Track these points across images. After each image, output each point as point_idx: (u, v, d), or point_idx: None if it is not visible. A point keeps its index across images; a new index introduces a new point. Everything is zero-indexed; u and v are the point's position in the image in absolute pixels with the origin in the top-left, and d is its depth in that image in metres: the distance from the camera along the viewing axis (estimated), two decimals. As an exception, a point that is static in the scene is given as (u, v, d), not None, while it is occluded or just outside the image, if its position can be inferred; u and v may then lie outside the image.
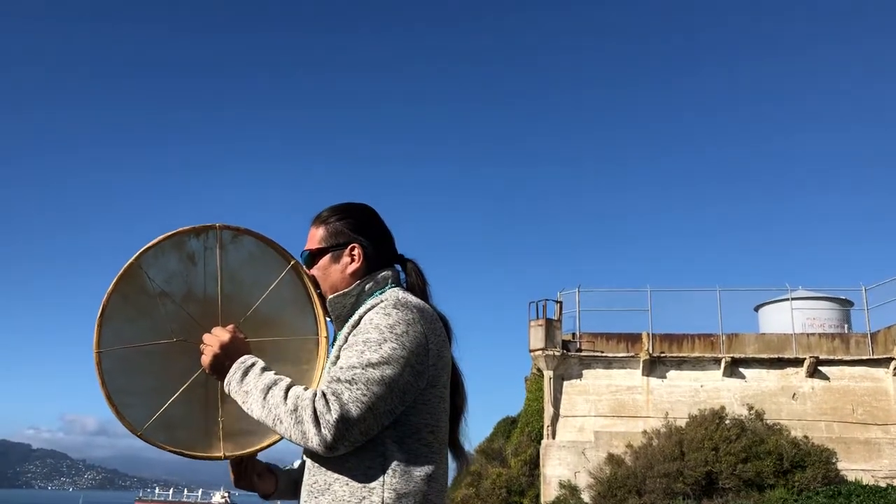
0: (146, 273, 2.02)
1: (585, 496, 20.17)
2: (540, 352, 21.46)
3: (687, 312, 23.33)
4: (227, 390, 1.90)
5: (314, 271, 2.08)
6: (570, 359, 21.62)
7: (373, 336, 1.81)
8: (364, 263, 2.03)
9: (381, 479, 1.78)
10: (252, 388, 1.84)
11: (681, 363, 21.37)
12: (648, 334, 21.55)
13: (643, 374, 21.38)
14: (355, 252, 2.04)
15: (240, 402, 1.86)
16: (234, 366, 1.89)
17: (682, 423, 19.96)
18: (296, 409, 1.75)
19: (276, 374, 1.88)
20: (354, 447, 1.77)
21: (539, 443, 22.21)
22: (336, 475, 1.80)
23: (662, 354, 21.34)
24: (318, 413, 1.72)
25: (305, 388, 1.81)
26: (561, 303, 22.32)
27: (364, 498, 1.76)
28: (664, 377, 21.42)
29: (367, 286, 2.00)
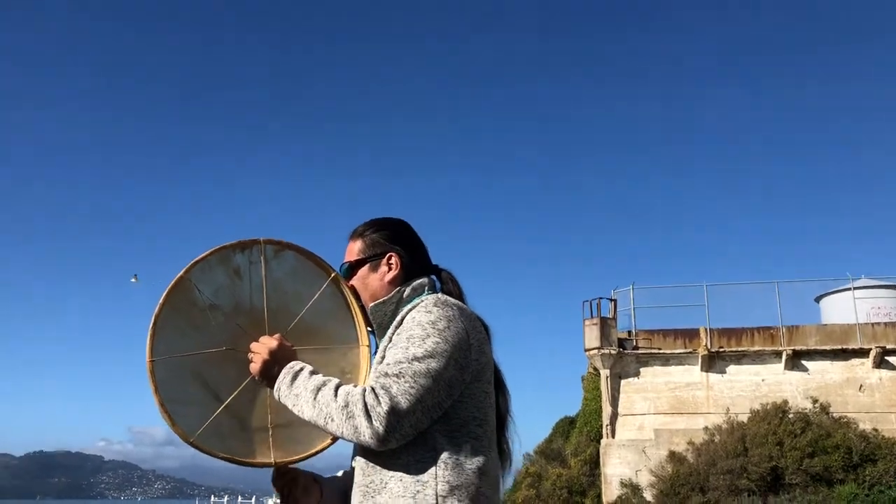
0: (196, 286, 2.10)
1: (647, 495, 19.96)
2: (595, 351, 21.33)
3: (745, 306, 22.93)
4: (276, 395, 1.97)
5: (354, 282, 2.16)
6: (626, 357, 21.44)
7: (416, 332, 1.87)
8: (401, 271, 2.10)
9: (433, 471, 1.81)
10: (302, 391, 1.90)
11: (740, 357, 21.02)
12: (706, 329, 21.24)
13: (702, 370, 21.08)
14: (393, 261, 2.11)
15: (290, 406, 1.92)
16: (284, 371, 1.96)
17: (743, 418, 19.63)
18: (346, 405, 1.80)
19: (324, 376, 1.95)
20: (406, 441, 1.81)
21: (598, 442, 22.08)
22: (391, 472, 1.84)
23: (721, 349, 21.01)
24: (369, 406, 1.77)
25: (354, 386, 1.87)
26: (615, 301, 22.16)
27: (418, 492, 1.79)
28: (724, 372, 21.08)
29: (406, 293, 2.06)
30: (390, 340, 1.94)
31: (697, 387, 21.15)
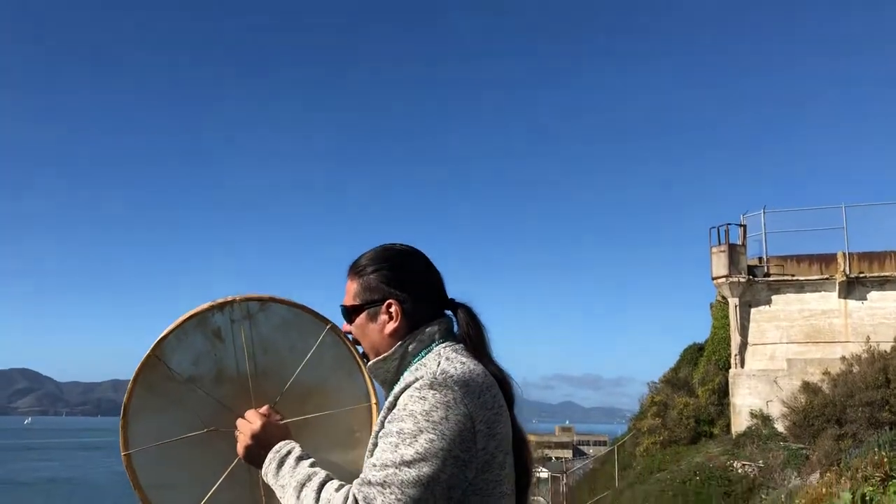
0: (166, 364, 1.90)
1: (779, 426, 19.38)
2: (723, 279, 20.58)
3: (888, 228, 21.34)
4: (265, 480, 1.78)
5: (353, 329, 1.89)
6: (756, 284, 20.57)
7: (407, 426, 1.58)
8: (403, 321, 1.80)
9: None
10: (287, 483, 1.69)
11: (883, 283, 19.70)
12: (845, 254, 20.01)
13: (840, 297, 19.95)
14: (392, 309, 1.81)
15: (278, 496, 1.72)
16: (269, 456, 1.77)
17: (885, 347, 18.50)
18: None
19: (311, 464, 1.73)
20: None
21: (727, 371, 21.52)
22: None
23: (861, 275, 19.76)
24: None
25: (338, 488, 1.62)
26: (745, 226, 21.17)
27: None
28: (864, 299, 19.88)
29: (411, 346, 1.79)
30: (382, 426, 1.67)
31: (834, 314, 20.08)
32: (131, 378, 1.89)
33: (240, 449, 1.83)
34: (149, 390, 1.90)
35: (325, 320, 2.03)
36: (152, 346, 1.90)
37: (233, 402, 1.93)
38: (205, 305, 1.95)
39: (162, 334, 1.91)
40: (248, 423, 1.83)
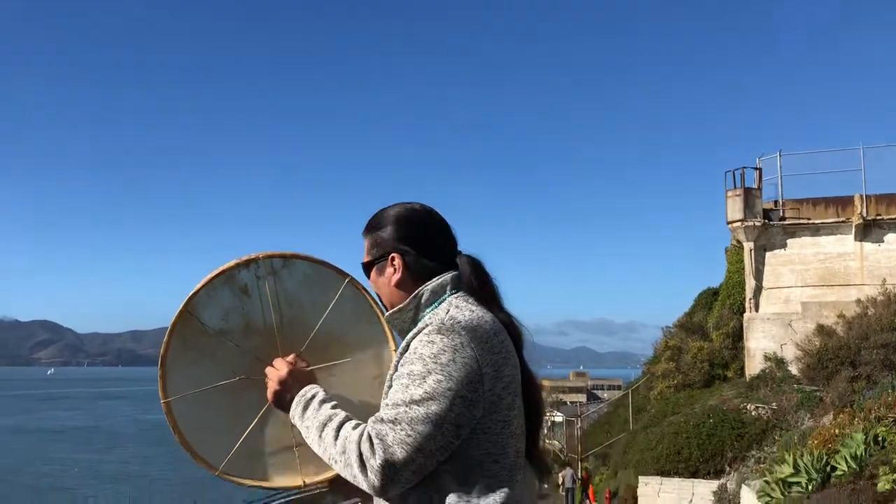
0: (198, 319, 2.05)
1: (793, 368, 19.47)
2: (739, 223, 20.45)
3: (908, 169, 21.02)
4: (293, 422, 1.90)
5: (370, 285, 2.02)
6: (772, 228, 20.44)
7: (416, 368, 1.68)
8: (406, 274, 1.90)
9: None
10: (310, 424, 1.82)
11: (900, 225, 19.54)
12: (862, 196, 19.78)
13: (856, 240, 19.80)
14: (395, 263, 1.90)
15: (304, 436, 1.85)
16: (295, 400, 1.89)
17: (902, 289, 18.46)
18: (344, 451, 1.69)
19: (332, 406, 1.84)
20: (409, 486, 1.67)
21: (741, 315, 21.55)
22: None
23: (878, 217, 19.57)
24: (364, 457, 1.65)
25: (355, 426, 1.74)
26: (760, 169, 20.94)
27: None
28: (881, 241, 19.72)
29: (424, 298, 1.87)
30: (396, 369, 1.76)
31: (850, 257, 19.96)
32: (167, 332, 2.05)
33: (269, 394, 1.96)
34: (183, 343, 2.06)
35: (344, 274, 2.16)
36: (184, 302, 2.05)
37: (262, 353, 2.07)
38: (231, 263, 2.10)
39: (193, 291, 2.06)
40: (276, 371, 1.96)
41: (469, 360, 1.68)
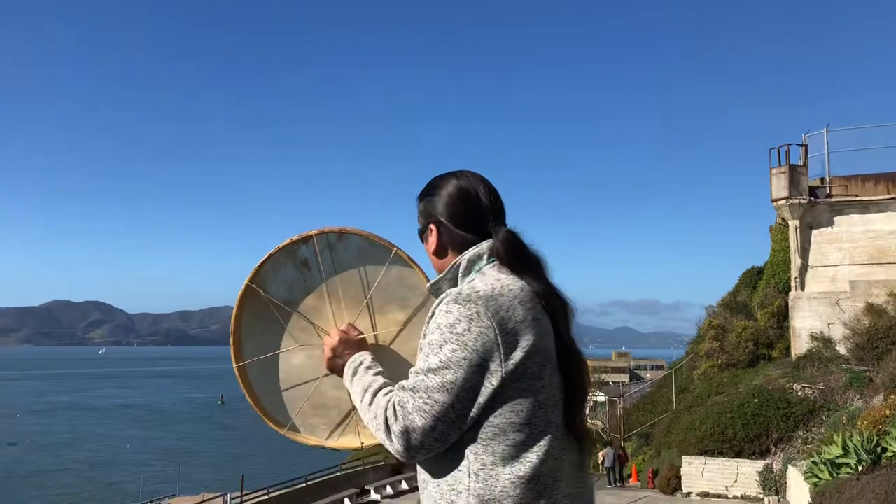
0: (263, 291, 2.28)
1: (841, 348, 19.14)
2: (784, 201, 20.09)
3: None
4: (345, 385, 2.05)
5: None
6: (818, 206, 20.04)
7: (434, 338, 1.72)
8: (440, 242, 1.94)
9: (466, 483, 1.70)
10: (356, 389, 1.94)
11: (954, 202, 19.01)
12: (914, 172, 19.29)
13: (907, 217, 19.34)
14: (433, 232, 1.95)
15: (352, 398, 1.96)
16: (346, 367, 2.04)
17: (955, 268, 18.00)
18: (375, 417, 1.78)
19: (375, 373, 1.95)
20: (434, 453, 1.72)
21: (786, 294, 21.20)
22: (428, 476, 1.78)
23: (931, 193, 19.09)
24: (389, 423, 1.72)
25: (387, 393, 1.82)
26: (806, 146, 20.51)
27: (452, 502, 1.70)
28: (933, 218, 19.23)
29: (462, 266, 1.88)
30: (424, 337, 1.79)
31: (901, 235, 19.50)
32: (236, 302, 2.29)
33: (325, 361, 2.14)
34: (251, 313, 2.28)
35: (391, 246, 2.29)
36: (250, 275, 2.27)
37: (320, 322, 2.29)
38: (289, 240, 2.28)
39: (258, 264, 2.27)
40: (331, 339, 2.13)
41: (485, 329, 1.69)
